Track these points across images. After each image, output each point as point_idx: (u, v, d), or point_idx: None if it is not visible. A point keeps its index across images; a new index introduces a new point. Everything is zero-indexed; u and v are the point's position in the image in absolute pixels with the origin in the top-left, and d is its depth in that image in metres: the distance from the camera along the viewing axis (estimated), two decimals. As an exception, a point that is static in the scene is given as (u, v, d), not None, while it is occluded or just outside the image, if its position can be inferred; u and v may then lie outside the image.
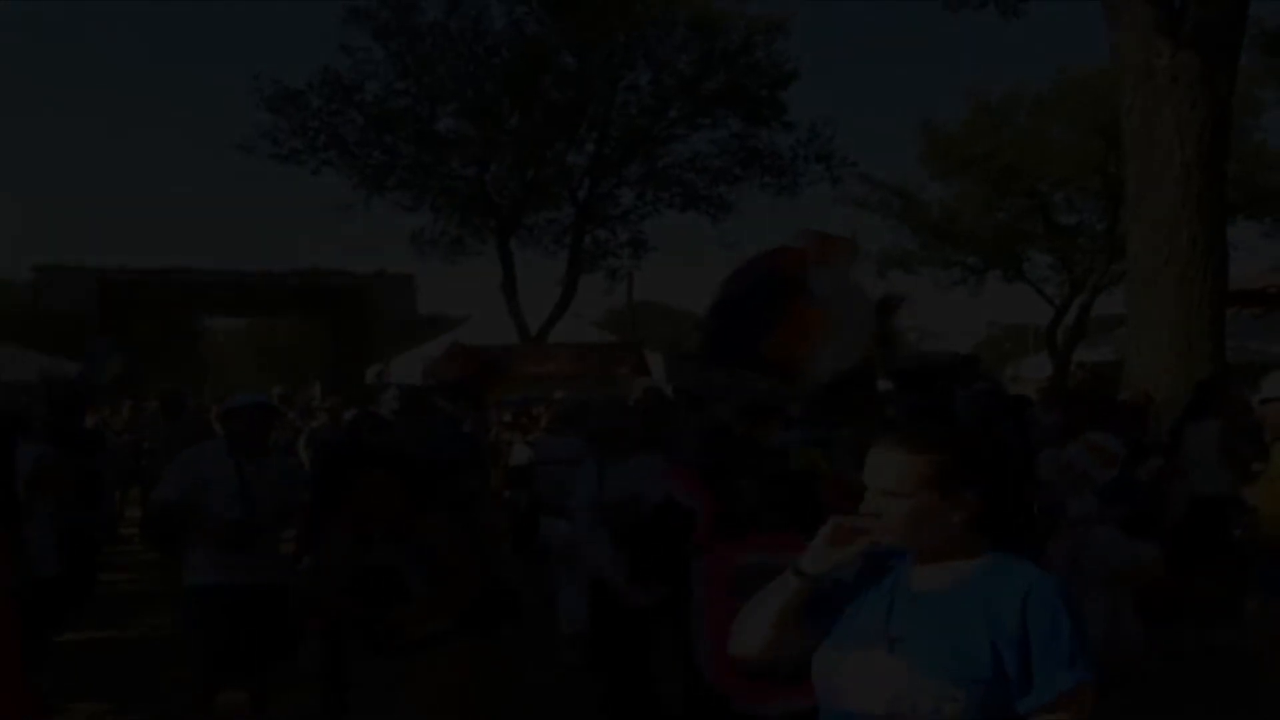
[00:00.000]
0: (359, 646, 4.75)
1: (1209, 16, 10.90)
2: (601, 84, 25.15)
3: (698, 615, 4.80)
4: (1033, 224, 29.93)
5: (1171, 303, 10.84)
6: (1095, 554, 6.21)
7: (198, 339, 49.55)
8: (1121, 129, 11.86)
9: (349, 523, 4.67)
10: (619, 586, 5.80)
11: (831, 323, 4.85)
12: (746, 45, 25.02)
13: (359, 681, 5.06)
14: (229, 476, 5.80)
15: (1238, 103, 12.76)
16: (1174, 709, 6.38)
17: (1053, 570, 5.80)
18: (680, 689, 5.14)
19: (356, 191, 26.21)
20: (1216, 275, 10.98)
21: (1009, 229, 30.01)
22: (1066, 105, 26.97)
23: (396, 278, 31.96)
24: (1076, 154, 26.59)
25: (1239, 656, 6.28)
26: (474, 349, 10.60)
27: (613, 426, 6.66)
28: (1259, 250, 46.47)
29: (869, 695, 2.25)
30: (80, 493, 7.80)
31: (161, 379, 24.73)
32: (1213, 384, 9.23)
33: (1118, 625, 6.22)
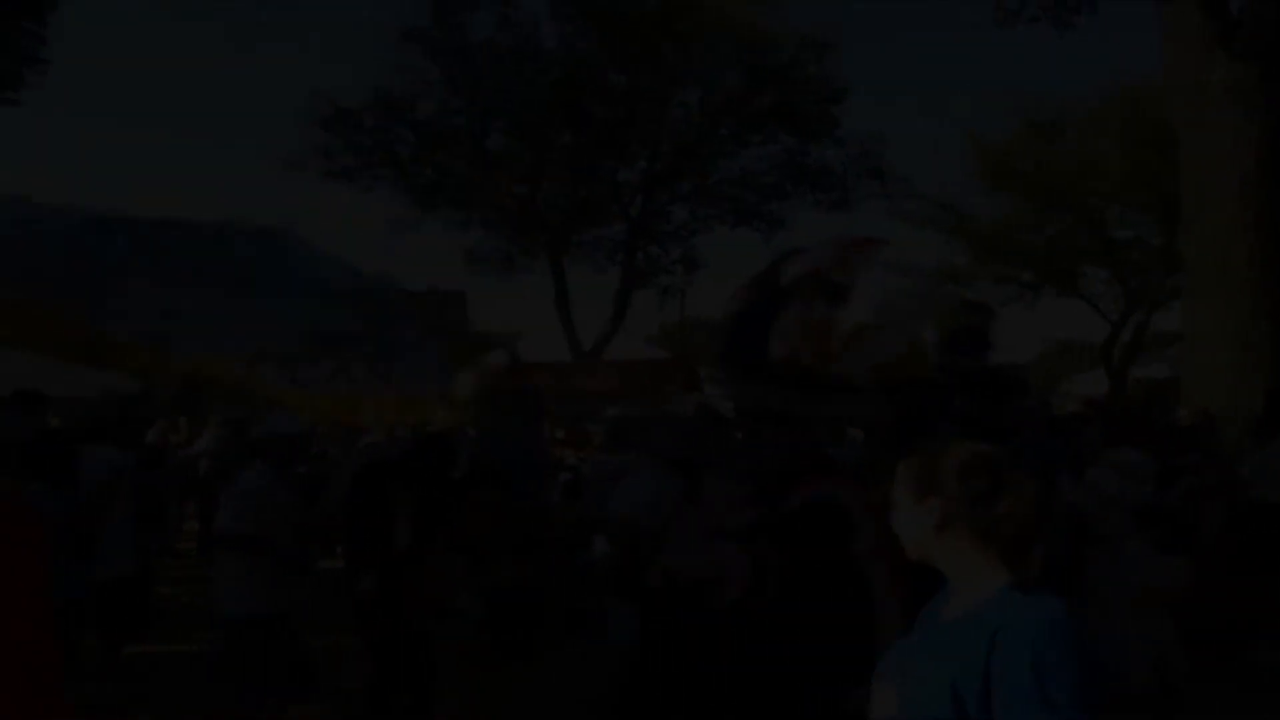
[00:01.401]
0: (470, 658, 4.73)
1: (1264, 28, 10.79)
2: (651, 101, 25.23)
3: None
4: (1087, 239, 29.60)
5: (1229, 317, 10.71)
6: (1124, 573, 6.13)
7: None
8: (1176, 142, 11.75)
9: (454, 542, 4.66)
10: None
11: (857, 328, 4.80)
12: (796, 61, 25.01)
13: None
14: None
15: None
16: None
17: (1087, 592, 5.76)
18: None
19: (409, 209, 26.47)
20: (1275, 289, 10.83)
21: (1063, 244, 29.71)
22: (1119, 118, 26.70)
23: (448, 295, 32.20)
24: (1130, 167, 26.32)
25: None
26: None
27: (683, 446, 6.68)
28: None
29: None
30: (141, 506, 7.93)
31: (222, 395, 25.06)
32: None
33: (1154, 646, 6.12)
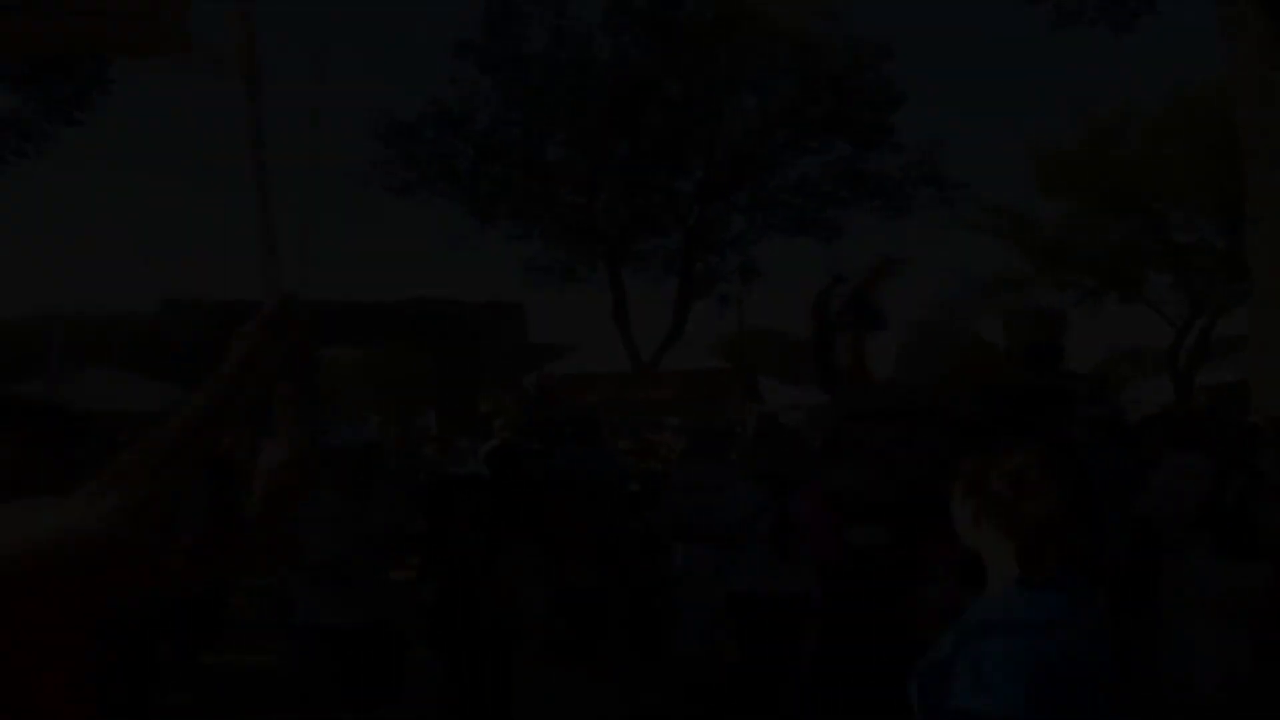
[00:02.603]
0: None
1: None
2: (706, 110, 25.27)
3: None
4: (1150, 243, 29.22)
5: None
6: (1195, 580, 6.03)
7: (317, 370, 50.54)
8: (1240, 145, 11.61)
9: (539, 546, 4.74)
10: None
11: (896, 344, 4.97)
12: (852, 69, 24.95)
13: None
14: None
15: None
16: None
17: (1160, 600, 5.71)
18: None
19: (467, 221, 26.70)
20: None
21: (1125, 249, 29.35)
22: (1182, 122, 26.37)
23: (507, 306, 32.34)
24: (1193, 171, 25.97)
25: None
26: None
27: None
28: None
29: None
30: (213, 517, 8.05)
31: (284, 410, 25.30)
32: None
33: (1224, 657, 6.01)
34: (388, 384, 55.00)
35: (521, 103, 25.13)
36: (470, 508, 6.01)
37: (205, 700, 7.69)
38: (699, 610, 7.78)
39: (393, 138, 25.32)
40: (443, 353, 35.06)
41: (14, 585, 1.97)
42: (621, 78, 24.62)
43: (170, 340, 28.87)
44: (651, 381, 21.39)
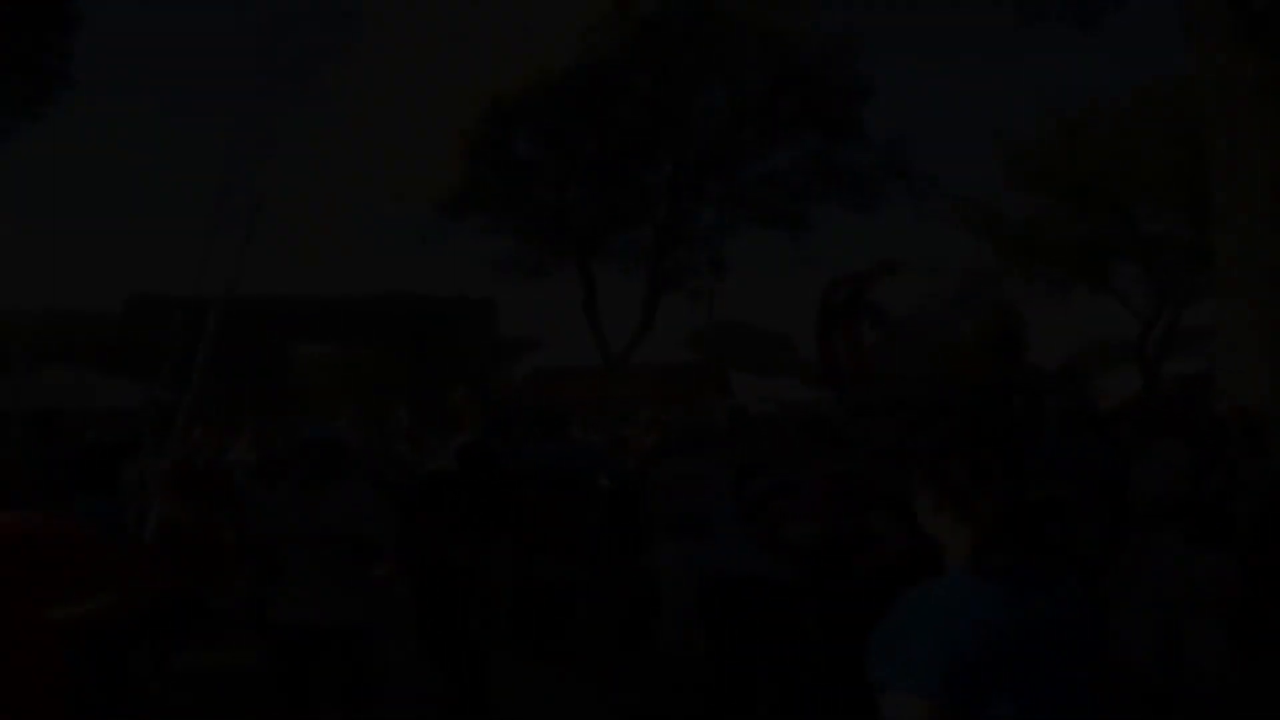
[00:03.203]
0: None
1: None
2: (676, 105, 25.27)
3: None
4: (1117, 235, 29.44)
5: (1261, 312, 10.65)
6: (1166, 569, 6.08)
7: (288, 365, 50.37)
8: (1205, 140, 11.70)
9: (511, 539, 4.74)
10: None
11: (883, 338, 5.06)
12: (820, 62, 25.00)
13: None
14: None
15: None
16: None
17: (1124, 589, 5.76)
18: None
19: (437, 217, 26.61)
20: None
21: (1093, 241, 29.55)
22: (1149, 114, 26.56)
23: (478, 302, 32.30)
24: (1160, 164, 26.17)
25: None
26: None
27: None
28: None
29: None
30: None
31: (253, 406, 25.21)
32: None
33: (1186, 646, 6.03)
34: (359, 380, 54.79)
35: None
36: (449, 506, 6.00)
37: (178, 701, 7.65)
38: (682, 605, 7.80)
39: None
40: (414, 348, 35.01)
41: None
42: (590, 72, 24.58)
43: (136, 337, 28.72)
44: (623, 376, 21.41)
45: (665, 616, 8.09)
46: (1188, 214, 26.66)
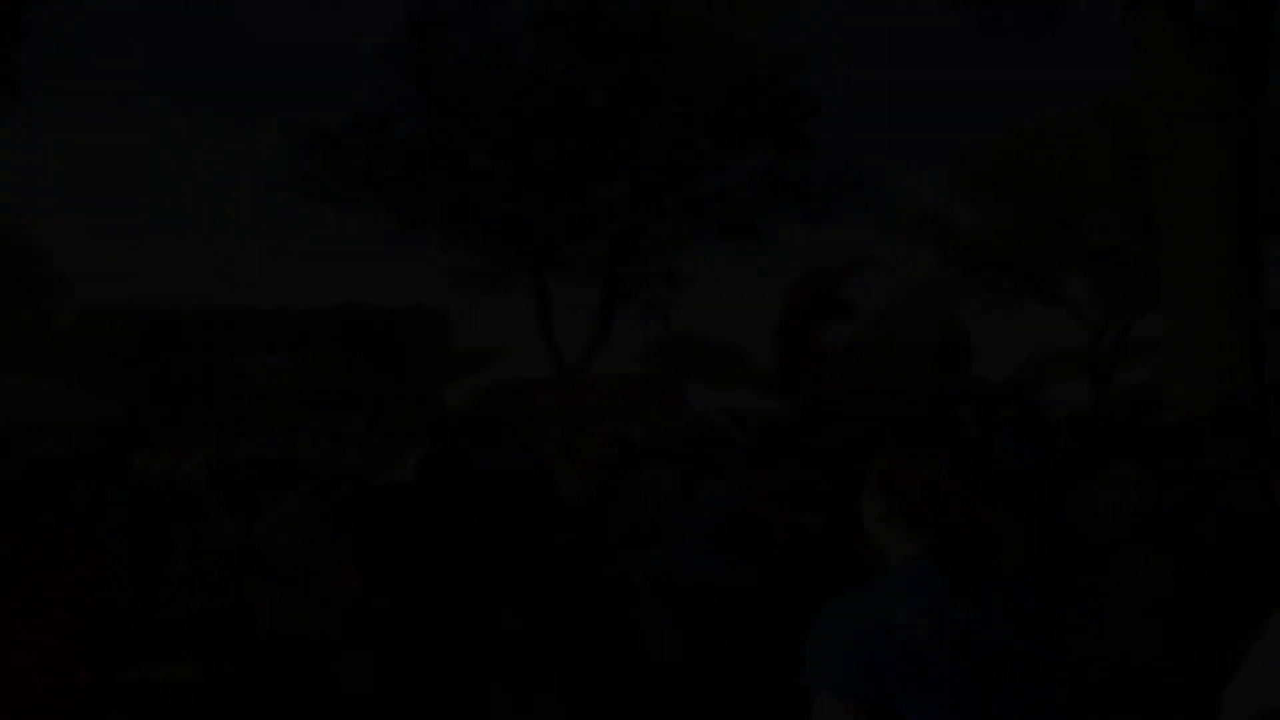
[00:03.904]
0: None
1: (1233, 36, 10.91)
2: (631, 118, 25.34)
3: None
4: (1068, 246, 29.78)
5: (1207, 324, 10.79)
6: (1116, 580, 6.16)
7: (241, 376, 50.03)
8: (1150, 151, 11.85)
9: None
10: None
11: (841, 345, 5.09)
12: (775, 76, 25.16)
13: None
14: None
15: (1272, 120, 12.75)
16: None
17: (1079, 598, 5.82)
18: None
19: (392, 229, 26.53)
20: (1253, 295, 10.92)
21: (1044, 252, 29.88)
22: (1099, 126, 26.91)
23: (432, 312, 32.23)
24: (1109, 176, 26.51)
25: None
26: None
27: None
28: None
29: None
30: (135, 532, 7.96)
31: (205, 417, 25.03)
32: None
33: (1142, 654, 6.12)
34: (313, 391, 54.42)
35: (445, 110, 25.02)
36: (407, 520, 5.99)
37: (124, 716, 7.57)
38: (654, 615, 7.81)
39: (314, 146, 25.09)
40: (368, 359, 34.88)
41: None
42: (546, 85, 24.61)
43: (84, 349, 28.43)
44: (578, 388, 21.41)
45: (643, 627, 8.11)
46: (1137, 225, 27.04)
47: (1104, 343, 29.56)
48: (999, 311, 31.84)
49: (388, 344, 31.74)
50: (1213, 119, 10.84)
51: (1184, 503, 7.16)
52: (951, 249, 30.48)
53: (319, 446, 15.24)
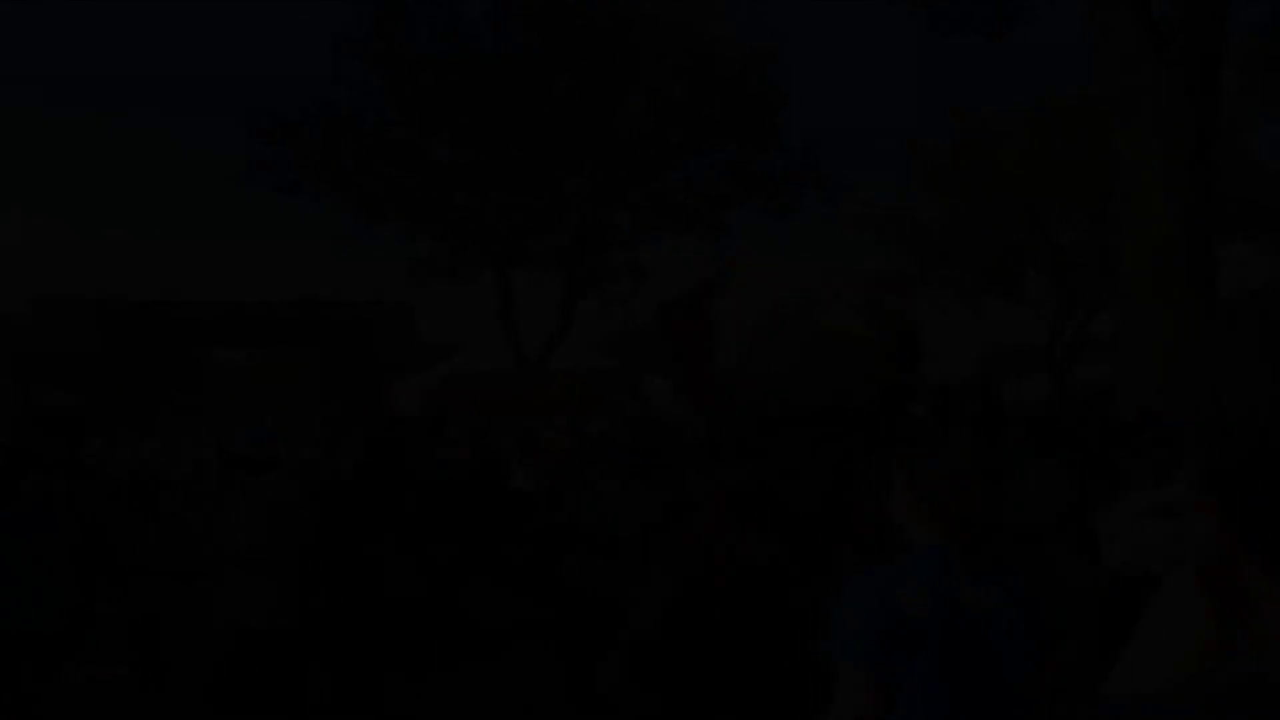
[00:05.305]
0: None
1: (1189, 35, 11.00)
2: (596, 110, 25.32)
3: None
4: (1027, 242, 29.97)
5: (1161, 322, 10.89)
6: (1052, 576, 6.21)
7: (200, 370, 49.62)
8: (1108, 148, 11.94)
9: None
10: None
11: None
12: (741, 71, 25.20)
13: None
14: None
15: (1232, 120, 12.87)
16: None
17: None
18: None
19: (354, 221, 26.41)
20: (1207, 294, 11.02)
21: (1004, 247, 30.07)
22: (1059, 122, 27.09)
23: (395, 305, 32.06)
24: (1069, 172, 26.69)
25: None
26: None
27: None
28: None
29: None
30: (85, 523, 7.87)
31: (163, 411, 24.83)
32: None
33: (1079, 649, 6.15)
34: (274, 384, 54.06)
35: (408, 101, 24.92)
36: (365, 515, 5.98)
37: (66, 714, 7.50)
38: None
39: (276, 137, 24.93)
40: (330, 353, 34.66)
41: None
42: (511, 77, 24.54)
43: (42, 341, 28.11)
44: (538, 381, 21.40)
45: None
46: (1097, 222, 27.24)
47: (1063, 338, 29.77)
48: (960, 306, 32.03)
49: (349, 338, 31.56)
50: (1169, 117, 10.94)
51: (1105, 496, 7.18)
52: (912, 243, 30.62)
53: (278, 439, 15.12)
